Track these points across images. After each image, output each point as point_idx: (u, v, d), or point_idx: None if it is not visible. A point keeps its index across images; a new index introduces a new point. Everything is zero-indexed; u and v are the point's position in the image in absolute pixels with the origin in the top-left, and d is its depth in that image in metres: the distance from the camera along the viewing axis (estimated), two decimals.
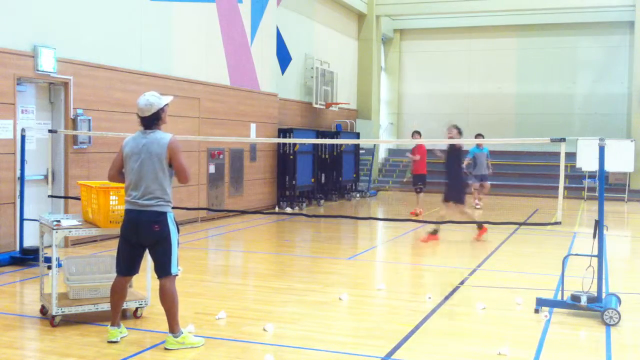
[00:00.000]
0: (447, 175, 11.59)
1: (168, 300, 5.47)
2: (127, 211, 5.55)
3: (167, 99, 5.63)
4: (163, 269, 5.50)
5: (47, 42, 9.65)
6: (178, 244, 5.61)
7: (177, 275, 5.57)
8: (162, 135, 5.51)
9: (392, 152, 25.29)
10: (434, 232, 11.35)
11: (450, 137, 11.48)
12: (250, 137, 15.21)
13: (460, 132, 11.48)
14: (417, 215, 14.59)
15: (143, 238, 5.50)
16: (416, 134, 15.63)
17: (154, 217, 5.43)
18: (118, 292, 5.68)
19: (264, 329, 5.98)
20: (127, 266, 5.66)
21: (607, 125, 22.59)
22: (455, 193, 11.39)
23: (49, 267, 6.32)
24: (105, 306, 6.02)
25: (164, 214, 5.48)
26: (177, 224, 5.64)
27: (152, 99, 5.53)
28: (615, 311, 6.34)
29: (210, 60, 13.85)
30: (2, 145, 9.06)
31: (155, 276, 5.60)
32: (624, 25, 22.66)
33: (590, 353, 5.71)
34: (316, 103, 18.78)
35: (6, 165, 9.15)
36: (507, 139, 23.53)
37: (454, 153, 11.49)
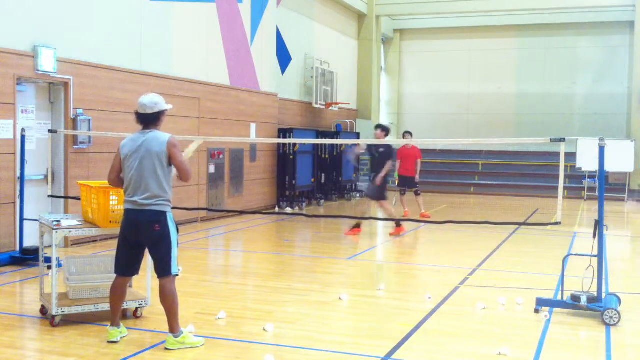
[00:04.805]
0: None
1: (168, 300, 5.47)
2: (127, 211, 5.54)
3: (169, 106, 5.68)
4: (163, 269, 5.49)
5: (47, 42, 9.65)
6: (177, 244, 5.61)
7: (177, 275, 5.57)
8: (161, 135, 5.51)
9: None
10: (357, 226, 12.14)
11: None
12: (250, 137, 15.21)
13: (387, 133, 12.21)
14: (428, 217, 14.54)
15: (143, 238, 5.50)
16: (407, 134, 15.54)
17: (154, 217, 5.43)
18: (117, 293, 5.68)
19: (264, 329, 5.98)
20: (126, 267, 5.66)
21: (607, 125, 22.60)
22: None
23: (49, 267, 6.32)
24: (105, 306, 6.03)
25: (164, 213, 5.47)
26: (176, 224, 5.63)
27: (158, 99, 5.59)
28: (615, 311, 6.35)
29: (210, 60, 13.85)
30: (2, 145, 9.06)
31: (156, 276, 5.60)
32: (624, 25, 22.66)
33: (590, 353, 5.71)
34: (316, 103, 18.78)
35: (6, 165, 9.15)
36: (507, 139, 23.54)
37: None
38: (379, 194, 12.03)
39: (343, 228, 12.44)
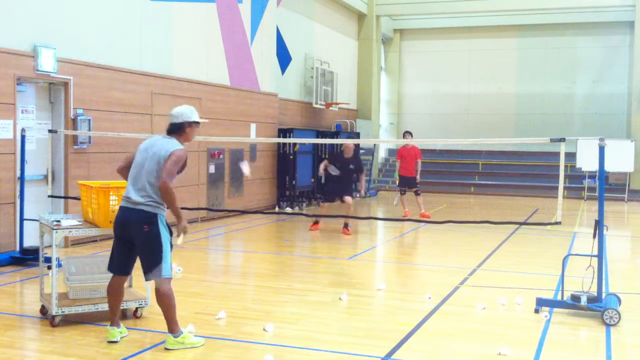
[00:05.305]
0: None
1: (164, 303, 5.47)
2: (120, 208, 5.59)
3: (198, 118, 5.69)
4: (154, 272, 5.46)
5: (47, 42, 9.65)
6: (171, 246, 5.58)
7: (170, 278, 5.53)
8: (173, 143, 5.53)
9: (392, 152, 25.28)
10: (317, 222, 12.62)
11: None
12: (250, 137, 15.21)
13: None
14: (428, 217, 14.57)
15: (132, 237, 5.50)
16: (407, 134, 15.54)
17: (144, 217, 5.43)
18: (114, 292, 5.69)
19: (264, 329, 5.98)
20: (119, 264, 5.67)
21: (607, 125, 22.60)
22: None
23: (49, 267, 6.32)
24: (105, 306, 6.02)
25: (155, 215, 5.46)
26: (170, 227, 5.62)
27: (185, 110, 5.64)
28: (615, 311, 6.35)
29: (210, 60, 13.85)
30: (2, 145, 9.06)
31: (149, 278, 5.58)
32: (624, 25, 22.66)
33: (590, 353, 5.71)
34: (316, 103, 18.77)
35: (6, 165, 9.15)
36: (507, 139, 23.55)
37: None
38: (351, 191, 12.72)
39: (342, 228, 12.43)
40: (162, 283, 5.47)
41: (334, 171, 12.26)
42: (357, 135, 20.92)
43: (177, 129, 5.61)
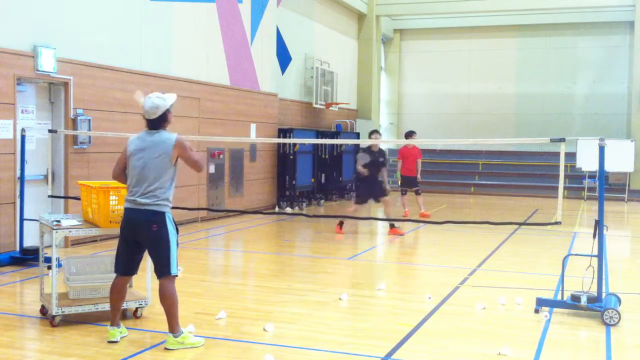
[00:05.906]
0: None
1: (168, 300, 5.47)
2: (126, 210, 5.57)
3: (171, 99, 5.65)
4: (162, 270, 5.49)
5: (47, 42, 9.65)
6: (177, 244, 5.60)
7: (177, 275, 5.57)
8: (168, 136, 5.54)
9: (392, 152, 25.25)
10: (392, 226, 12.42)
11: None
12: (250, 137, 15.21)
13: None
14: (428, 217, 14.59)
15: (141, 237, 5.51)
16: (412, 133, 15.49)
17: (152, 217, 5.43)
18: (117, 292, 5.68)
19: (264, 329, 5.98)
20: (125, 266, 5.67)
21: (607, 125, 22.60)
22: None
23: (49, 267, 6.32)
24: (105, 306, 6.03)
25: (162, 213, 5.47)
26: (176, 225, 5.63)
27: (158, 102, 5.56)
28: (615, 311, 6.35)
29: (210, 60, 13.85)
30: (2, 145, 9.06)
31: (156, 276, 5.60)
32: (624, 25, 22.67)
33: (590, 353, 5.71)
34: (316, 103, 18.77)
35: (6, 165, 9.15)
36: (507, 139, 23.55)
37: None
38: (385, 190, 12.52)
39: (343, 228, 12.40)
40: (168, 281, 5.48)
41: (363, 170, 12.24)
42: (357, 136, 20.92)
43: (160, 122, 5.58)
